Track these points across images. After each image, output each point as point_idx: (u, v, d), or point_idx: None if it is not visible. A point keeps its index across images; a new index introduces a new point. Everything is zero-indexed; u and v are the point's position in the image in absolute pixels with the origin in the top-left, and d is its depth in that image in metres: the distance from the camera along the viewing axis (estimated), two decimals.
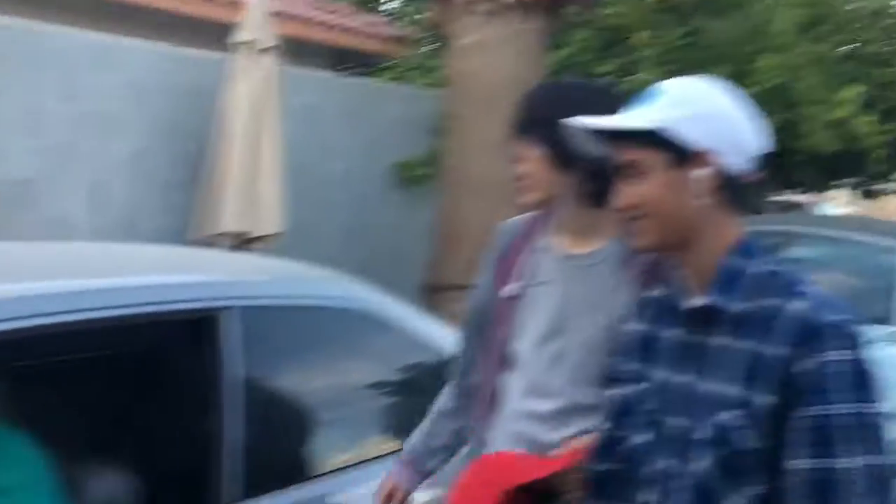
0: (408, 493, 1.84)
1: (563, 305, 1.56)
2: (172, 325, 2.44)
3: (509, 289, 1.63)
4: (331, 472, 2.11)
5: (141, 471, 2.21)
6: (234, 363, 1.95)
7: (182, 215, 5.71)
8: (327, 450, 2.19)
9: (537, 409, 1.57)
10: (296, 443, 2.12)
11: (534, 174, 1.57)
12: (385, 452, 2.23)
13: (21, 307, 1.71)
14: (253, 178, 5.30)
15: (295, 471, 2.07)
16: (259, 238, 5.33)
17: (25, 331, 1.69)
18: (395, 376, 2.36)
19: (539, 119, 1.55)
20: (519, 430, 1.60)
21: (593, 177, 1.50)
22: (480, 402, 1.71)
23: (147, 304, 1.90)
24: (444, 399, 1.86)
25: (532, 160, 1.57)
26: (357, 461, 2.17)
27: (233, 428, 1.92)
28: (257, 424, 1.98)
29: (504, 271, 1.67)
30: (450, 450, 1.81)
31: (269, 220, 5.37)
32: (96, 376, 2.64)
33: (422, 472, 1.85)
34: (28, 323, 1.69)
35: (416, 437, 1.87)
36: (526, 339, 1.61)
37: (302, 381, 2.16)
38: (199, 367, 2.00)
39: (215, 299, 2.00)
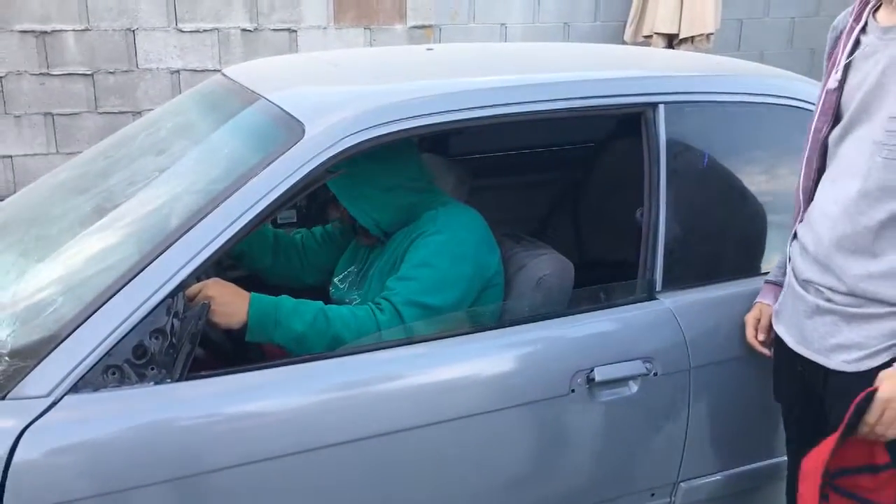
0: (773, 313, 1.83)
1: (880, 81, 1.48)
2: (608, 118, 2.50)
3: (831, 80, 1.57)
4: (754, 275, 2.05)
5: (576, 249, 2.37)
6: (665, 157, 1.95)
7: (615, 17, 5.68)
8: (751, 250, 2.11)
9: (842, 193, 1.55)
10: (720, 240, 2.08)
11: None
12: None
13: (484, 98, 1.87)
14: None
15: (715, 269, 2.05)
16: (691, 38, 5.13)
17: (490, 118, 1.86)
18: None
19: None
20: (820, 217, 1.62)
21: None
22: (800, 201, 1.73)
23: (583, 98, 1.94)
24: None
25: None
26: None
27: (661, 219, 1.94)
28: (685, 218, 1.98)
29: (831, 66, 1.61)
30: None
31: (703, 20, 5.11)
32: (540, 163, 2.85)
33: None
34: (491, 112, 1.85)
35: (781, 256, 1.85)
36: (838, 126, 1.59)
37: (734, 178, 2.08)
38: (631, 160, 2.03)
39: (649, 94, 1.97)
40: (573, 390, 1.81)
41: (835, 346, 1.61)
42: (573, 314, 1.92)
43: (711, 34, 5.14)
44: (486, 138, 2.78)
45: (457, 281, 1.94)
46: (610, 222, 2.47)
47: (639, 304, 1.93)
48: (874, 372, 1.55)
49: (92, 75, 4.85)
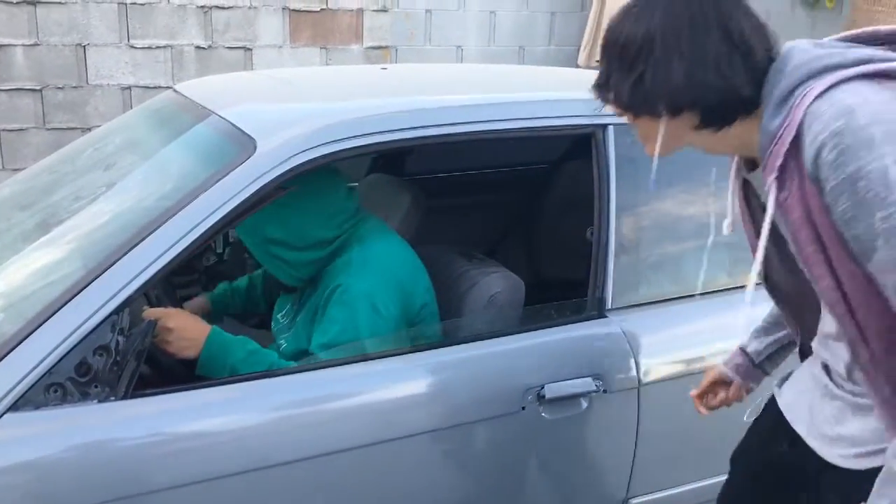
0: (731, 382, 1.69)
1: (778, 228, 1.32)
2: (560, 138, 2.53)
3: (747, 229, 1.44)
4: (698, 294, 2.08)
5: (529, 269, 2.37)
6: (615, 176, 1.97)
7: (569, 42, 5.77)
8: (695, 272, 2.14)
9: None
10: (663, 261, 2.11)
11: (637, 126, 1.31)
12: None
13: (438, 117, 1.88)
14: None
15: (664, 287, 2.08)
16: None
17: (444, 137, 1.87)
18: None
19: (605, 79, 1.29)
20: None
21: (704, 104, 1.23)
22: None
23: (534, 118, 1.96)
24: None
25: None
26: (726, 287, 2.10)
27: (611, 238, 1.96)
28: (631, 239, 2.01)
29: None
30: (778, 345, 1.64)
31: None
32: (493, 183, 2.87)
33: (752, 363, 1.67)
34: (445, 131, 1.86)
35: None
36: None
37: (678, 202, 2.12)
38: (582, 180, 2.05)
39: (599, 115, 1.99)
40: (524, 408, 1.82)
41: (837, 437, 1.39)
42: (524, 332, 1.93)
43: None
44: (440, 158, 2.79)
45: (385, 328, 1.89)
46: (561, 242, 2.50)
47: (589, 322, 1.95)
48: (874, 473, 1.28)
49: (40, 90, 4.76)
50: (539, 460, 1.89)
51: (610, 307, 1.96)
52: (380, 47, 5.42)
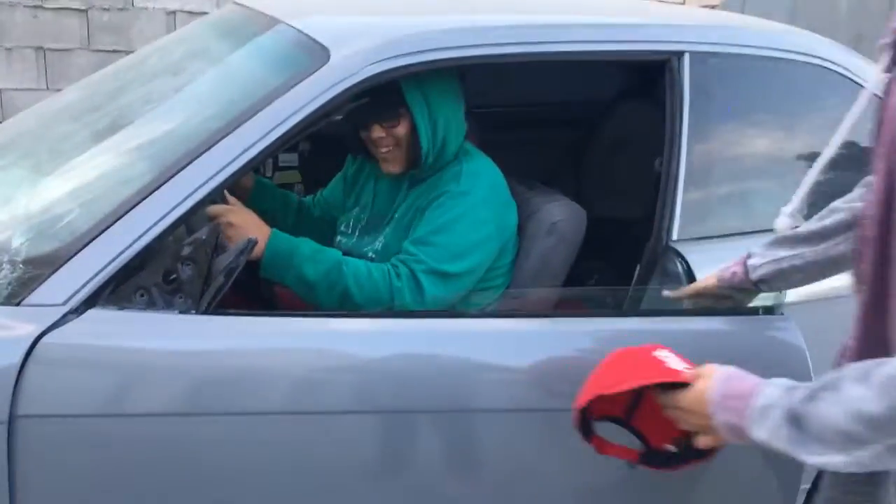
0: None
1: None
2: (629, 64, 2.47)
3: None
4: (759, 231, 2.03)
5: (590, 202, 2.32)
6: (686, 108, 1.92)
7: None
8: (759, 210, 2.08)
9: None
10: (731, 197, 2.06)
11: None
12: None
13: (513, 35, 1.83)
14: None
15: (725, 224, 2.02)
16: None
17: (517, 56, 1.82)
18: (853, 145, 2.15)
19: None
20: None
21: None
22: None
23: (610, 41, 1.91)
24: None
25: None
26: None
27: (677, 172, 1.91)
28: (699, 172, 1.96)
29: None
30: None
31: None
32: (544, 120, 2.83)
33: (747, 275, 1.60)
34: (518, 50, 1.80)
35: None
36: None
37: (749, 136, 2.07)
38: (652, 109, 2.01)
39: (675, 42, 1.95)
40: None
41: None
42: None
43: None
44: (496, 92, 2.74)
45: (477, 246, 1.88)
46: (614, 180, 2.45)
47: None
48: None
49: (86, 11, 4.73)
50: None
51: (675, 238, 1.92)
52: None
